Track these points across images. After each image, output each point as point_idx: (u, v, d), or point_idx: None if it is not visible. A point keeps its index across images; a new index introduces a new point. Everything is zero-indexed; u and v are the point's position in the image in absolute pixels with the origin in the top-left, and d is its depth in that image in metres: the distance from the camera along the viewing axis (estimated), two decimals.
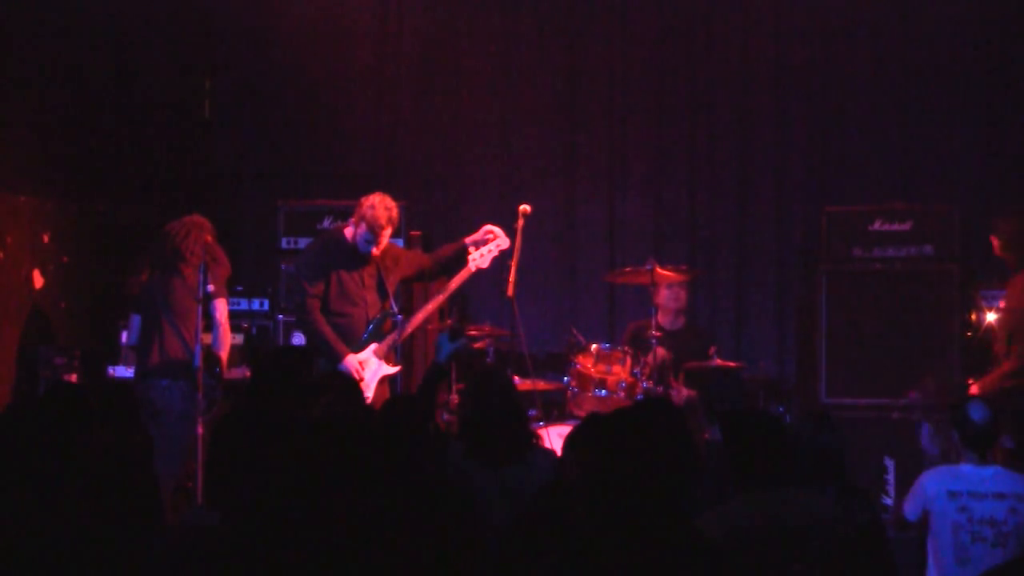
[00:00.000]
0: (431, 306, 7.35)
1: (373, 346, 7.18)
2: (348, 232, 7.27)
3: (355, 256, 7.23)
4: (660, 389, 8.04)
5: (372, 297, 7.27)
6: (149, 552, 4.04)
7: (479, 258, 7.36)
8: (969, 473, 5.63)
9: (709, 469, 5.04)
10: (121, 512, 4.10)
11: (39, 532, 4.00)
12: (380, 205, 7.15)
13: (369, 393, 7.02)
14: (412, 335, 8.54)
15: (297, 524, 3.81)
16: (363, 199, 7.22)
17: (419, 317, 7.36)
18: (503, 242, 7.40)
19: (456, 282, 7.32)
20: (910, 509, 5.77)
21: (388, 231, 7.21)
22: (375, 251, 7.21)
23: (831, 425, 5.14)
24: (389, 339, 7.25)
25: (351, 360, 7.07)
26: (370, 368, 7.13)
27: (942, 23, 9.28)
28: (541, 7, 9.85)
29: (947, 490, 5.62)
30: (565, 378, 8.16)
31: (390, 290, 7.34)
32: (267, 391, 5.29)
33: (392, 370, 7.26)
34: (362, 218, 7.15)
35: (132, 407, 5.28)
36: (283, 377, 5.33)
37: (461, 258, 7.34)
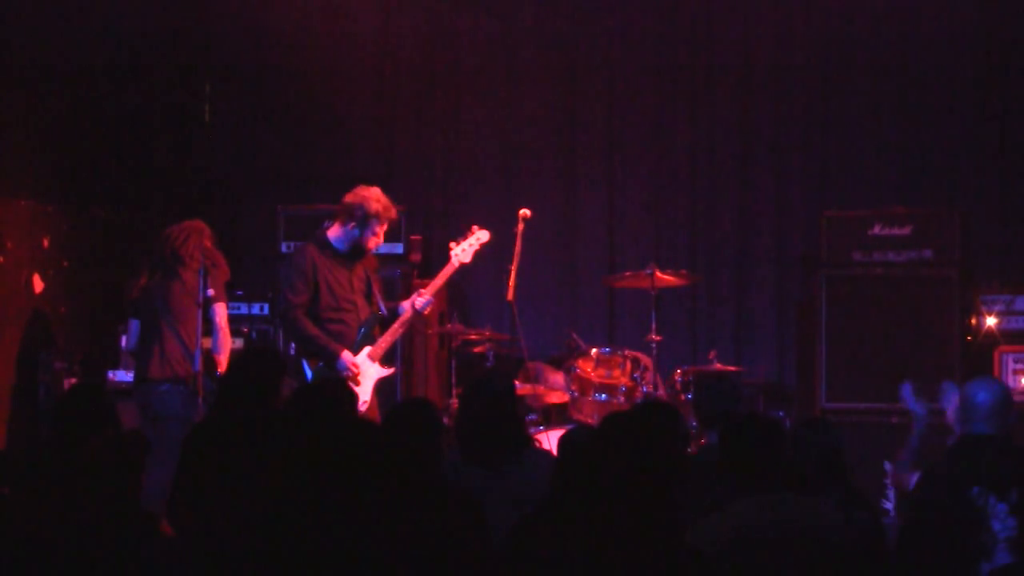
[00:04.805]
0: (401, 320, 7.25)
1: (367, 349, 7.14)
2: (334, 233, 7.19)
3: (342, 260, 7.16)
4: (661, 392, 8.05)
5: (361, 301, 7.21)
6: (146, 557, 4.05)
7: (461, 253, 7.34)
8: None
9: (703, 475, 5.02)
10: (118, 517, 4.10)
11: (39, 536, 4.01)
12: (372, 196, 7.13)
13: (366, 396, 7.00)
14: (411, 336, 8.56)
15: (296, 528, 3.82)
16: (350, 197, 7.14)
17: (394, 330, 7.28)
18: (483, 235, 7.39)
19: (440, 279, 7.32)
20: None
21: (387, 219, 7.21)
22: (376, 242, 7.18)
23: (830, 429, 5.15)
24: (381, 341, 7.21)
25: (347, 357, 7.03)
26: (366, 372, 7.10)
27: (942, 25, 9.27)
28: (541, 7, 9.85)
29: None
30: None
31: (376, 291, 7.29)
32: (236, 399, 5.27)
33: (387, 372, 7.23)
34: (364, 211, 7.09)
35: (112, 412, 5.24)
36: (253, 383, 5.31)
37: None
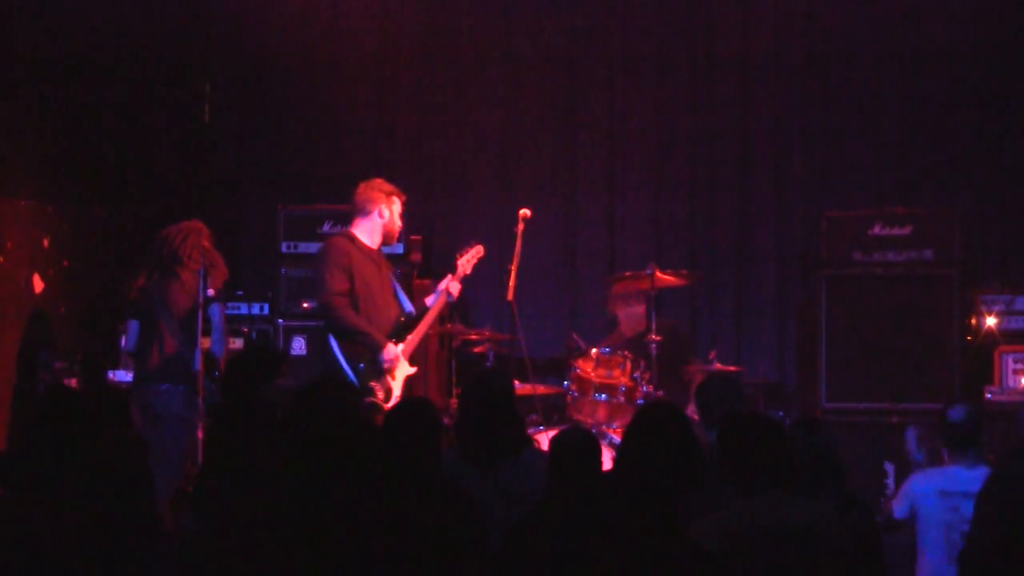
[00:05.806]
0: (434, 311, 7.36)
1: (401, 346, 7.16)
2: (358, 229, 7.18)
3: (370, 257, 7.18)
4: (660, 393, 8.04)
5: (391, 299, 7.25)
6: (147, 558, 4.05)
7: (465, 263, 7.47)
8: (959, 474, 5.67)
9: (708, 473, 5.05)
10: (119, 517, 4.10)
11: (40, 538, 4.01)
12: (378, 181, 7.25)
13: (397, 392, 7.03)
14: None
15: (296, 525, 3.82)
16: (363, 190, 7.19)
17: (425, 323, 7.33)
18: (480, 250, 7.54)
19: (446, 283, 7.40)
20: (898, 508, 5.83)
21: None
22: (400, 225, 7.25)
23: (824, 431, 5.16)
24: (409, 339, 7.22)
25: (391, 348, 7.01)
26: (400, 368, 7.11)
27: (942, 25, 9.29)
28: (541, 7, 9.85)
29: (938, 489, 5.68)
30: (565, 383, 8.15)
31: (402, 291, 7.35)
32: (235, 395, 5.30)
33: (412, 370, 7.24)
34: (384, 192, 7.16)
35: (124, 411, 5.27)
36: (249, 381, 5.33)
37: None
